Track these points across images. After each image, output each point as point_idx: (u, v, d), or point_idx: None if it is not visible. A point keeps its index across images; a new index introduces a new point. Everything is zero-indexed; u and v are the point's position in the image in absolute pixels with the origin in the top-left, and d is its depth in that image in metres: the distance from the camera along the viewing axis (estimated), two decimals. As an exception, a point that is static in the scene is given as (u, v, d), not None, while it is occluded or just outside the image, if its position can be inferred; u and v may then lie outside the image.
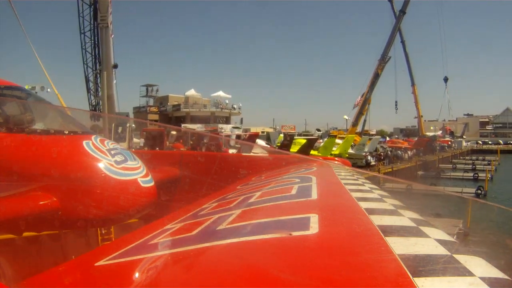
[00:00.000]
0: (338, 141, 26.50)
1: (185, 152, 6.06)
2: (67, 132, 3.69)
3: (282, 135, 28.76)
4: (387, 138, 55.69)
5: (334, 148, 24.52)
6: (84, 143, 3.48)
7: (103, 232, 5.44)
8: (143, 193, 3.46)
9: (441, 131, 69.61)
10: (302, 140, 22.82)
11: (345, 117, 55.14)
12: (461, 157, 50.13)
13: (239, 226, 1.67)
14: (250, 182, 3.56)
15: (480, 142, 79.96)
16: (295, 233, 1.40)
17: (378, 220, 1.50)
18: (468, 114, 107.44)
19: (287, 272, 1.14)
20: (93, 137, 3.64)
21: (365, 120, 51.53)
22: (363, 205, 1.80)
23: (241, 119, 52.99)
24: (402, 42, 53.94)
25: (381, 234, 1.30)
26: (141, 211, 3.46)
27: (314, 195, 2.15)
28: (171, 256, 1.52)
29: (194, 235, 1.68)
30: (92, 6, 19.19)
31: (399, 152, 37.41)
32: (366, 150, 28.83)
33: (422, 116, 59.81)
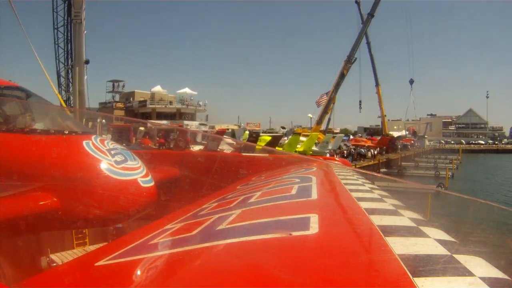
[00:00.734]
0: (302, 138, 26.81)
1: (185, 152, 6.05)
2: (67, 132, 3.69)
3: (247, 132, 29.15)
4: (351, 137, 56.70)
5: (298, 145, 24.83)
6: (84, 143, 3.48)
7: (79, 236, 5.44)
8: (143, 193, 3.46)
9: (407, 132, 71.11)
10: (267, 137, 23.28)
11: (310, 115, 56.51)
12: (424, 156, 51.04)
13: (239, 226, 1.67)
14: (250, 182, 3.56)
15: (443, 142, 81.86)
16: (295, 233, 1.40)
17: (378, 220, 1.49)
18: (431, 114, 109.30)
19: (287, 272, 1.14)
20: (93, 137, 3.64)
21: (329, 119, 52.74)
22: (363, 205, 1.80)
23: (207, 116, 53.51)
24: (368, 43, 54.81)
25: (381, 234, 1.30)
26: (141, 211, 3.46)
27: (314, 195, 2.14)
28: (171, 256, 1.51)
29: (194, 235, 1.68)
30: (67, 2, 19.32)
31: (362, 150, 38.11)
32: (329, 147, 29.31)
33: (385, 115, 61.36)
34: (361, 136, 59.72)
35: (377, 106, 59.74)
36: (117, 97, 53.65)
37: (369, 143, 44.40)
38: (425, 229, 1.41)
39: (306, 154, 20.65)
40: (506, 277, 1.02)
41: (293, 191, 2.27)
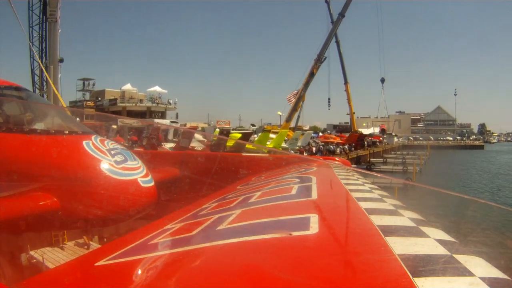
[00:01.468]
0: (272, 135, 27.20)
1: (185, 152, 6.05)
2: (67, 132, 3.69)
3: (218, 129, 29.43)
4: (320, 134, 57.85)
5: (268, 142, 25.15)
6: (84, 143, 3.48)
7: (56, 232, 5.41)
8: (143, 193, 3.46)
9: (377, 130, 72.69)
10: (238, 134, 23.78)
11: (279, 113, 56.90)
12: (392, 152, 52.00)
13: (239, 226, 1.67)
14: (250, 182, 3.56)
15: (411, 138, 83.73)
16: (295, 233, 1.40)
17: (378, 220, 1.49)
18: (400, 112, 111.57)
19: (287, 272, 1.14)
20: (93, 137, 3.64)
21: (298, 116, 53.44)
22: (363, 205, 1.80)
23: (177, 114, 53.48)
24: (337, 42, 56.18)
25: (381, 234, 1.30)
26: (141, 211, 3.46)
27: (314, 195, 2.14)
28: (171, 256, 1.51)
29: (194, 235, 1.68)
30: (42, 1, 19.29)
31: (331, 146, 38.68)
32: (299, 144, 29.95)
33: (354, 112, 62.48)
34: (330, 133, 61.17)
35: (346, 104, 61.10)
36: (87, 96, 53.56)
37: (338, 140, 45.54)
38: (425, 229, 1.41)
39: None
40: (506, 277, 1.02)
41: (293, 191, 2.27)
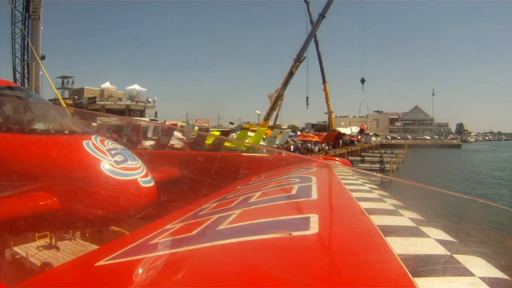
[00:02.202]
0: (250, 133, 27.43)
1: (185, 152, 6.06)
2: (67, 132, 3.69)
3: (197, 127, 29.69)
4: (298, 133, 58.23)
5: (246, 141, 25.34)
6: (84, 143, 3.48)
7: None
8: (143, 193, 3.46)
9: (357, 129, 73.41)
10: (217, 132, 24.26)
11: (258, 112, 57.42)
12: (370, 151, 52.65)
13: (239, 226, 1.67)
14: (250, 182, 3.56)
15: (389, 137, 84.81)
16: (295, 233, 1.40)
17: (378, 220, 1.49)
18: (378, 111, 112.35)
19: (287, 272, 1.14)
20: (93, 137, 3.64)
21: (277, 115, 54.08)
22: (363, 205, 1.80)
23: (156, 112, 53.42)
24: (316, 42, 56.55)
25: (381, 234, 1.30)
26: (141, 211, 3.46)
27: (314, 195, 2.14)
28: (171, 256, 1.51)
29: (194, 235, 1.68)
30: None
31: (309, 145, 39.12)
32: (277, 142, 30.25)
33: (332, 112, 63.50)
34: (308, 132, 61.21)
35: (325, 103, 61.84)
36: (66, 94, 53.21)
37: (316, 139, 45.73)
38: (425, 229, 1.41)
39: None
40: (506, 277, 1.02)
41: (293, 191, 2.27)
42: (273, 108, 49.27)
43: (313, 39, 53.01)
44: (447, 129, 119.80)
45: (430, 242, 1.25)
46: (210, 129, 29.60)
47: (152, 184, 3.59)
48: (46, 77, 17.14)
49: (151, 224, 2.29)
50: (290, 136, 39.00)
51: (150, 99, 52.65)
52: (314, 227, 1.41)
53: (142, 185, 3.47)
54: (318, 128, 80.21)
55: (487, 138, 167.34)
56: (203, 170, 4.99)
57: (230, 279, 1.17)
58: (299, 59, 47.60)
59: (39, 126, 3.81)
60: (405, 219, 1.58)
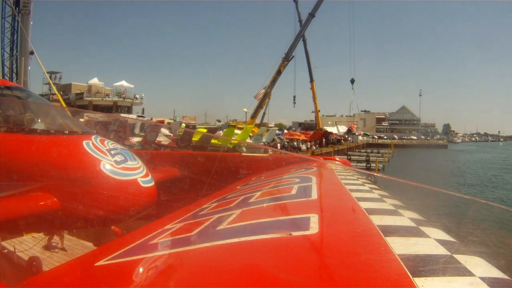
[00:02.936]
0: (237, 131, 27.53)
1: (186, 152, 6.05)
2: (67, 132, 3.69)
3: (184, 125, 29.71)
4: (285, 131, 58.17)
5: (233, 138, 25.39)
6: (84, 143, 3.48)
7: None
8: (143, 193, 3.46)
9: (344, 129, 73.96)
10: (204, 130, 24.60)
11: (245, 110, 57.39)
12: (357, 150, 52.54)
13: (239, 226, 1.67)
14: (250, 182, 3.56)
15: (376, 137, 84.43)
16: (295, 233, 1.40)
17: (378, 220, 1.49)
18: (365, 111, 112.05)
19: (287, 272, 1.14)
20: (93, 137, 3.64)
21: (264, 113, 53.96)
22: (363, 205, 1.80)
23: (143, 109, 53.49)
24: (304, 40, 55.74)
25: (381, 234, 1.30)
26: (141, 211, 3.46)
27: (314, 195, 2.14)
28: (171, 256, 1.51)
29: (194, 235, 1.68)
30: None
31: (295, 143, 39.17)
32: (263, 140, 30.22)
33: (319, 110, 62.78)
34: (295, 131, 61.17)
35: (312, 102, 61.11)
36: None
37: (303, 137, 45.59)
38: (425, 229, 1.41)
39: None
40: (506, 277, 1.02)
41: (293, 191, 2.27)
42: (260, 106, 49.10)
43: (301, 38, 52.77)
44: (433, 130, 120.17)
45: (430, 242, 1.25)
46: (197, 126, 29.56)
47: (152, 184, 3.59)
48: (45, 74, 17.33)
49: (151, 224, 2.29)
50: (277, 135, 38.95)
51: (137, 96, 52.65)
52: (314, 227, 1.41)
53: (142, 185, 3.47)
54: (305, 126, 79.65)
55: (473, 139, 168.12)
56: (203, 170, 4.99)
57: (230, 279, 1.17)
58: (287, 58, 47.33)
59: (39, 126, 3.81)
60: (405, 219, 1.58)
